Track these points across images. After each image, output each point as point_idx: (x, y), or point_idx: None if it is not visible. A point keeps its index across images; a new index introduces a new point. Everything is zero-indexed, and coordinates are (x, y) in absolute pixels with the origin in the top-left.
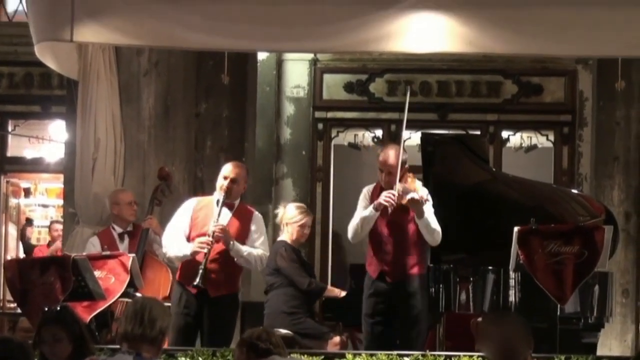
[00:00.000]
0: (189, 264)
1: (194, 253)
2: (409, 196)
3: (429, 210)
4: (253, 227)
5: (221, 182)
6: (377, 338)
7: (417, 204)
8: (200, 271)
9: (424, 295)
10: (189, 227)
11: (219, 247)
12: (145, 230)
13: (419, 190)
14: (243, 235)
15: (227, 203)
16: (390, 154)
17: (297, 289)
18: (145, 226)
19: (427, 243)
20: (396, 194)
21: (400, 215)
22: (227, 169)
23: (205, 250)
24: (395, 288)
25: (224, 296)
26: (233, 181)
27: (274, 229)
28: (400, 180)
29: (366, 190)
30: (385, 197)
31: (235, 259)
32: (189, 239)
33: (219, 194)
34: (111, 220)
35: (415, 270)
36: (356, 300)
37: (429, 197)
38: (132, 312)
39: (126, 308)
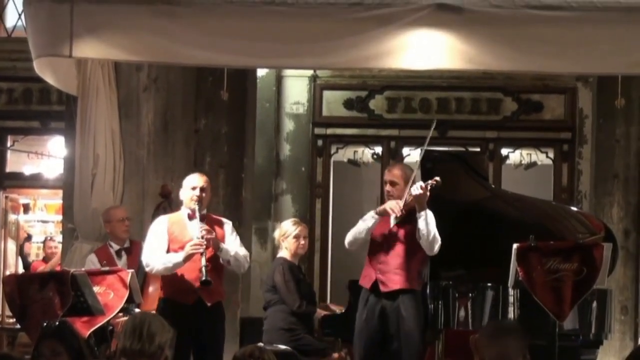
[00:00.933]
0: (173, 280)
1: (188, 258)
2: (413, 190)
3: (431, 216)
4: (228, 232)
5: (191, 194)
6: (370, 354)
7: (422, 196)
8: (204, 269)
9: (419, 313)
10: (167, 244)
11: (207, 254)
12: None
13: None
14: (221, 241)
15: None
16: (397, 166)
17: None
18: None
19: (425, 261)
20: (402, 204)
21: (401, 228)
22: (195, 179)
23: (202, 250)
24: (389, 301)
25: (217, 304)
26: (202, 190)
27: (273, 246)
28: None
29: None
30: (391, 205)
31: (227, 261)
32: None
33: (189, 206)
34: (108, 238)
35: (410, 285)
36: (355, 316)
37: (435, 180)
38: (130, 327)
39: (125, 323)
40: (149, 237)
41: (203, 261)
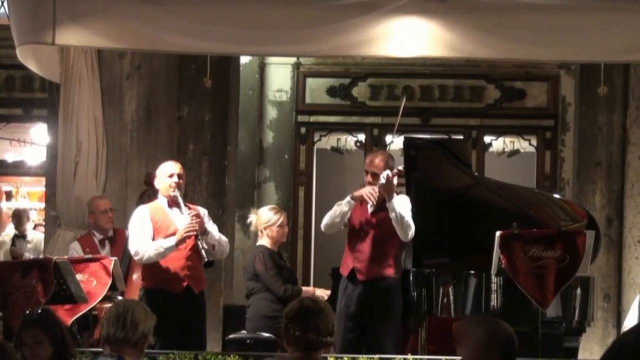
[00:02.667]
0: (160, 269)
1: (181, 242)
2: (382, 177)
3: (403, 201)
4: (205, 219)
5: (169, 181)
6: (349, 341)
7: (389, 183)
8: (203, 251)
9: (398, 299)
10: (153, 233)
11: (190, 242)
12: None
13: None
14: None
15: (176, 202)
16: (378, 157)
17: None
18: None
19: (402, 247)
20: (377, 193)
21: (378, 215)
22: (171, 167)
23: (196, 233)
24: (367, 288)
25: (202, 291)
26: (180, 176)
27: (255, 234)
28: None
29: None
30: (367, 192)
31: (212, 245)
32: None
33: (168, 194)
34: (91, 227)
35: (388, 272)
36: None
37: (398, 169)
38: (114, 315)
39: (108, 311)
40: (134, 227)
41: (199, 244)
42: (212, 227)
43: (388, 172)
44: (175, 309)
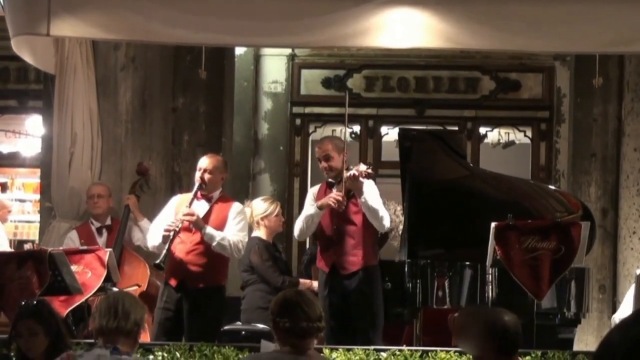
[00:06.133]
0: (172, 263)
1: (164, 238)
2: (349, 173)
3: (372, 192)
4: (231, 215)
5: (197, 175)
6: (335, 335)
7: (356, 180)
8: (164, 252)
9: (379, 286)
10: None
11: (197, 237)
12: (126, 208)
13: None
14: (221, 225)
15: (206, 195)
16: (327, 142)
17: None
18: (125, 202)
19: (377, 233)
20: (343, 195)
21: (348, 208)
22: (201, 161)
23: (171, 235)
24: (349, 280)
25: (203, 289)
26: (205, 171)
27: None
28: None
29: (312, 191)
30: (333, 198)
31: (212, 246)
32: None
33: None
34: (85, 216)
35: (367, 262)
36: None
37: (370, 171)
38: (105, 306)
39: (99, 303)
40: (159, 215)
41: (168, 245)
42: (232, 225)
43: (354, 171)
44: (168, 300)
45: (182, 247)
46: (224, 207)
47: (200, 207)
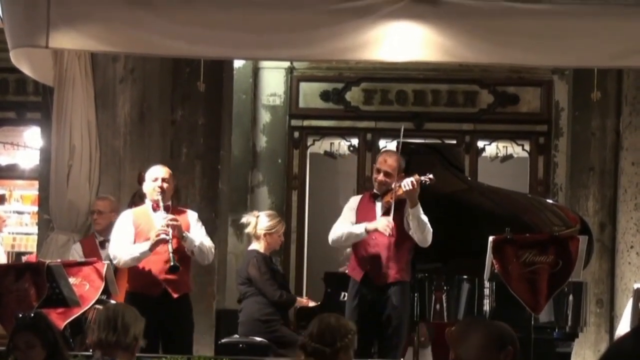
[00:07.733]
0: (139, 273)
1: (154, 245)
2: (404, 186)
3: (421, 212)
4: (192, 223)
5: (153, 185)
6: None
7: (413, 192)
8: (171, 254)
9: (408, 302)
10: (134, 237)
11: (169, 247)
12: None
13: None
14: (186, 231)
15: (163, 205)
16: (392, 157)
17: None
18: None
19: (413, 250)
20: (392, 224)
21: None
22: (156, 171)
23: (167, 238)
24: (380, 293)
25: (183, 296)
26: (164, 180)
27: (248, 237)
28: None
29: (354, 201)
30: (384, 225)
31: (191, 250)
32: None
33: (153, 198)
34: (84, 229)
35: (401, 277)
36: (331, 307)
37: (431, 176)
38: (104, 319)
39: (98, 315)
40: (115, 231)
41: (170, 247)
42: (198, 230)
43: (413, 179)
44: (152, 313)
45: (159, 257)
46: (183, 215)
47: (160, 217)
